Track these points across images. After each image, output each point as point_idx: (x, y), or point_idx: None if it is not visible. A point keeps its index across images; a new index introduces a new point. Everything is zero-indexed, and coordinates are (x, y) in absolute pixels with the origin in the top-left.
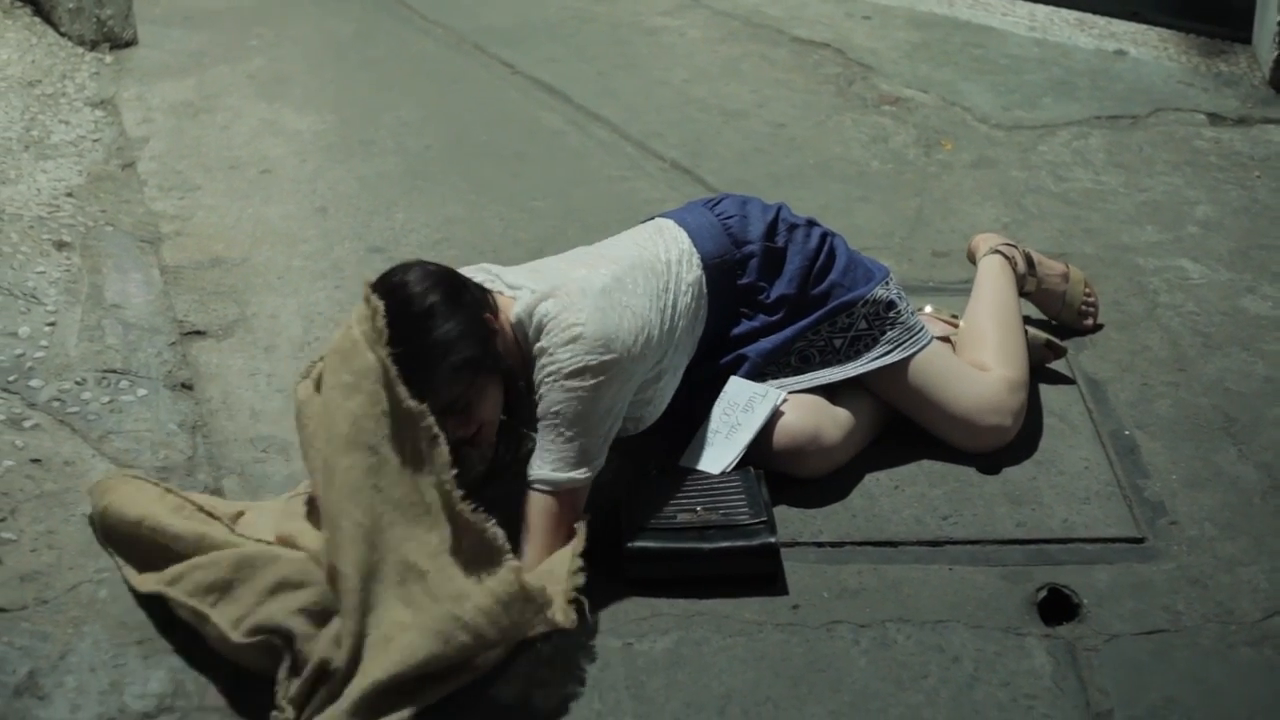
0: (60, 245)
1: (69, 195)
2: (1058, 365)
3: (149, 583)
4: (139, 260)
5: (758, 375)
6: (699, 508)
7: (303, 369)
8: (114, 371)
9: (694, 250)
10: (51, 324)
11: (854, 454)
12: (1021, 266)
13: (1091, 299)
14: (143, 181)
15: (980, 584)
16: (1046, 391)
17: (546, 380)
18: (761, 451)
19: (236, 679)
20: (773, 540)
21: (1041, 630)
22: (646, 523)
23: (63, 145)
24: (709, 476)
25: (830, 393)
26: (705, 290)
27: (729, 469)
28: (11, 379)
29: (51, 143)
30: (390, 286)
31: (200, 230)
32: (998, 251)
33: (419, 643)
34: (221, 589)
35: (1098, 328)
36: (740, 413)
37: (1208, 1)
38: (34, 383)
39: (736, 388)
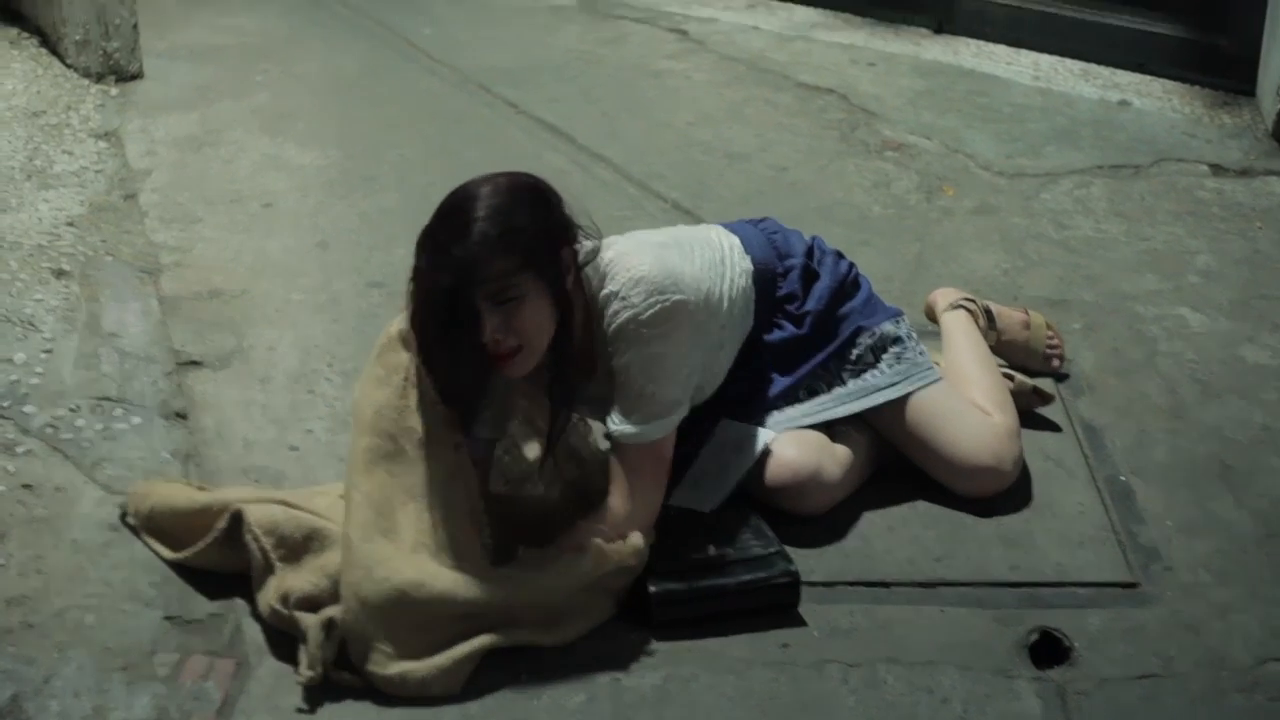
0: (59, 273)
1: (70, 224)
2: (1053, 411)
3: (222, 519)
4: (137, 290)
5: (768, 408)
6: (710, 546)
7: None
8: (109, 399)
9: (745, 251)
10: (48, 351)
11: (851, 492)
12: (982, 322)
13: (1054, 341)
14: (144, 213)
15: (972, 626)
16: (1043, 436)
17: (623, 327)
18: (763, 488)
19: (221, 707)
20: (794, 569)
21: (1032, 673)
22: (663, 565)
23: (65, 175)
24: (706, 514)
25: (829, 429)
26: (753, 287)
27: (716, 508)
28: (6, 404)
29: (54, 172)
30: (484, 176)
31: (200, 262)
32: (960, 306)
33: (452, 588)
34: (290, 549)
35: (1064, 376)
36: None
37: (1212, 54)
38: (28, 409)
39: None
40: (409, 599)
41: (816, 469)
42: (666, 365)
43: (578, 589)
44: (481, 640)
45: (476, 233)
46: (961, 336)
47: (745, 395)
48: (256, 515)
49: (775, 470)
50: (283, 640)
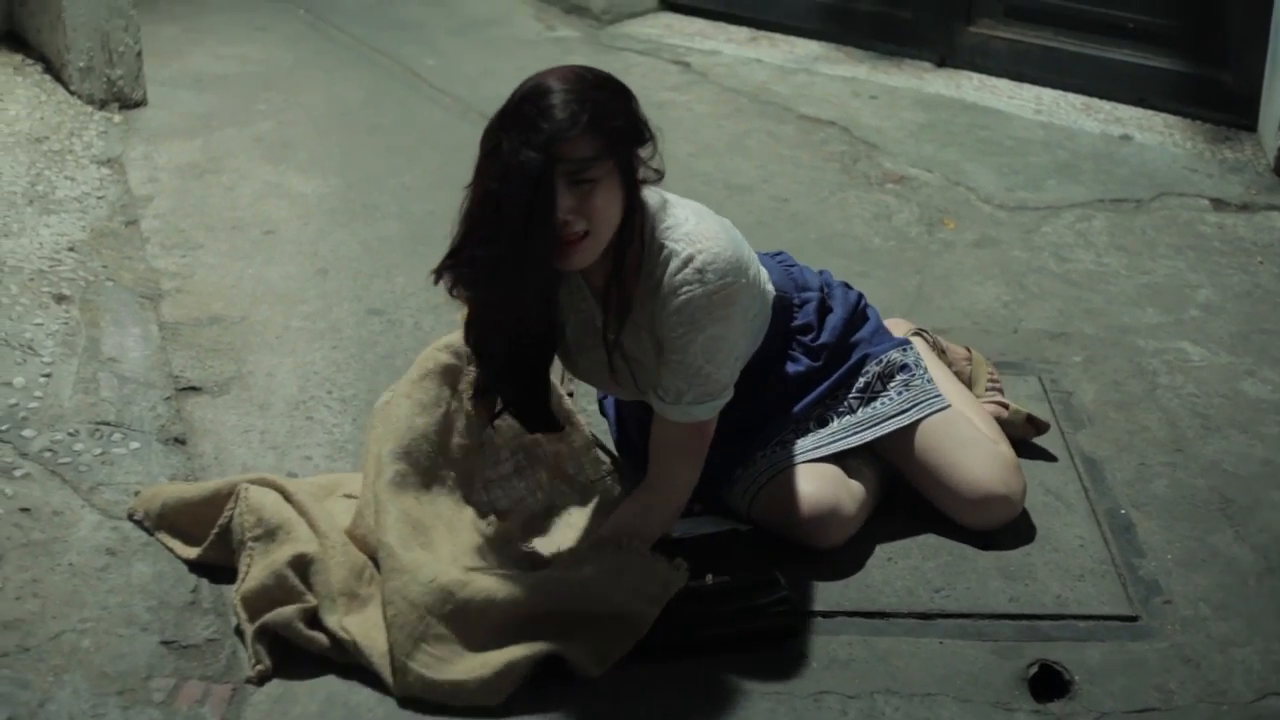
0: (60, 298)
1: (71, 250)
2: (1053, 443)
3: (229, 504)
4: (138, 315)
5: (777, 439)
6: (708, 574)
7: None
8: (107, 424)
9: (767, 275)
10: (47, 375)
11: (862, 525)
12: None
13: (995, 378)
14: (145, 239)
15: (971, 658)
16: (1043, 469)
17: (691, 301)
18: (786, 523)
19: None
20: (792, 598)
21: (1031, 706)
22: None
23: (67, 201)
24: (701, 541)
25: (839, 462)
26: (770, 310)
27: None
28: (4, 428)
29: (56, 198)
30: (553, 68)
31: (200, 288)
32: (919, 335)
33: (493, 587)
34: (267, 530)
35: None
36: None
37: (1214, 89)
38: (26, 433)
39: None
40: (455, 598)
41: (835, 504)
42: (725, 346)
43: (612, 587)
44: (525, 650)
45: (566, 110)
46: (935, 367)
47: (755, 424)
48: (252, 492)
49: (799, 506)
50: (278, 666)
